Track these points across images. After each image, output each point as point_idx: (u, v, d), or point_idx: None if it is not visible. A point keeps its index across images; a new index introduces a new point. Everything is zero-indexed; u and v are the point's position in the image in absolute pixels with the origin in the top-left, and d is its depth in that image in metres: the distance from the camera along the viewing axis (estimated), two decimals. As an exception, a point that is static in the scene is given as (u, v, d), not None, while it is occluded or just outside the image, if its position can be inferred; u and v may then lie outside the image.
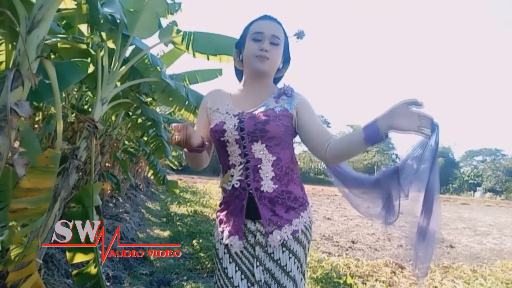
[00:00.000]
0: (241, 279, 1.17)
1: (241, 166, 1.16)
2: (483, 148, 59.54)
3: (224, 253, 1.20)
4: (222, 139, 1.17)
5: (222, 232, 1.21)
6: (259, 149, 1.15)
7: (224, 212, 1.22)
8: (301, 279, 1.16)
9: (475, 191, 47.64)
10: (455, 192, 46.81)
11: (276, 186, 1.15)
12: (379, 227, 7.37)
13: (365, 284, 3.33)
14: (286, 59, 1.32)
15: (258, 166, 1.15)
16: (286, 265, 1.14)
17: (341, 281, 3.19)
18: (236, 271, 1.18)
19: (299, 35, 1.31)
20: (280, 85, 1.32)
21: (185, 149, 1.17)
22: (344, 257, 4.29)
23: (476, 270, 4.17)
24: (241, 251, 1.18)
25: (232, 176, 1.18)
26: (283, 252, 1.14)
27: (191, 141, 1.07)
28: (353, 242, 5.61)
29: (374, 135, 1.03)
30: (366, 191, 1.27)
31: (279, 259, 1.14)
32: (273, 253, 1.15)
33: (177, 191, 5.51)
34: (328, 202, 13.48)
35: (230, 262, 1.19)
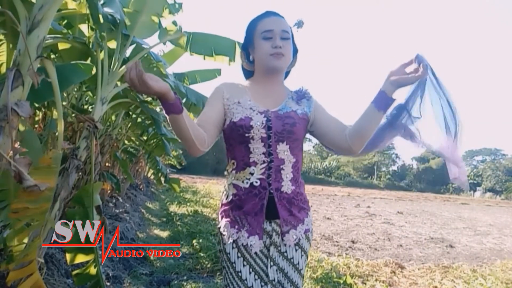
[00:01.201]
0: (255, 280, 1.15)
1: (264, 165, 1.15)
2: (483, 148, 59.64)
3: (238, 256, 1.15)
4: (247, 135, 1.14)
5: (237, 232, 1.15)
6: (283, 150, 1.16)
7: (237, 212, 1.17)
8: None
9: (475, 191, 47.64)
10: (455, 192, 46.80)
11: (294, 187, 1.18)
12: (379, 227, 7.37)
13: (365, 284, 3.33)
14: (294, 51, 1.30)
15: (281, 166, 1.16)
16: (298, 263, 1.18)
17: (341, 281, 3.19)
18: (250, 273, 1.15)
19: (299, 24, 1.31)
20: (288, 82, 1.34)
21: (164, 110, 1.01)
22: (344, 257, 4.29)
23: (476, 270, 4.16)
24: (256, 252, 1.15)
25: (251, 174, 1.15)
26: (296, 250, 1.18)
27: (145, 78, 0.88)
28: (353, 242, 5.61)
29: (384, 99, 1.09)
30: (385, 136, 1.28)
31: (292, 257, 1.17)
32: (286, 252, 1.17)
33: (178, 188, 5.54)
34: (328, 202, 13.47)
35: (244, 265, 1.15)
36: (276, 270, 1.16)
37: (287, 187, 1.16)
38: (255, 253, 1.15)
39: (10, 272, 1.48)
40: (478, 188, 48.66)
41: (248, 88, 1.26)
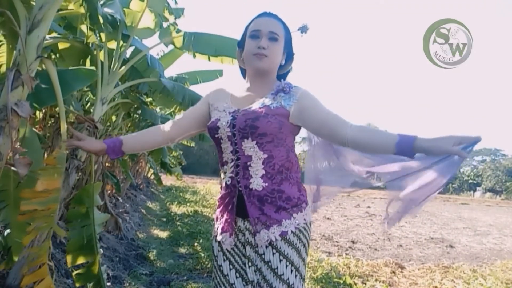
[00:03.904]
0: (236, 277, 1.18)
1: (232, 163, 1.17)
2: (483, 148, 59.47)
3: (218, 250, 1.22)
4: (216, 136, 1.19)
5: (217, 229, 1.23)
6: (249, 146, 1.13)
7: (219, 209, 1.25)
8: (300, 282, 1.11)
9: (475, 191, 47.58)
10: (455, 192, 46.77)
11: (266, 184, 1.13)
12: (379, 227, 7.37)
13: (365, 284, 3.33)
14: (289, 55, 1.27)
15: (248, 163, 1.14)
16: (277, 268, 1.10)
17: (341, 281, 3.19)
18: (230, 269, 1.19)
19: (303, 29, 1.30)
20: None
21: None
22: (344, 257, 4.29)
23: (476, 270, 4.16)
24: (232, 249, 1.20)
25: (225, 173, 1.20)
26: (273, 254, 1.10)
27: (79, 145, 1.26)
28: (353, 242, 5.61)
29: (407, 143, 1.01)
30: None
31: (270, 261, 1.11)
32: (264, 254, 1.12)
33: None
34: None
35: (224, 260, 1.21)
36: (255, 271, 1.14)
37: (257, 184, 1.12)
38: (227, 250, 1.20)
39: (24, 277, 1.48)
40: (478, 188, 48.61)
41: (234, 91, 1.28)
